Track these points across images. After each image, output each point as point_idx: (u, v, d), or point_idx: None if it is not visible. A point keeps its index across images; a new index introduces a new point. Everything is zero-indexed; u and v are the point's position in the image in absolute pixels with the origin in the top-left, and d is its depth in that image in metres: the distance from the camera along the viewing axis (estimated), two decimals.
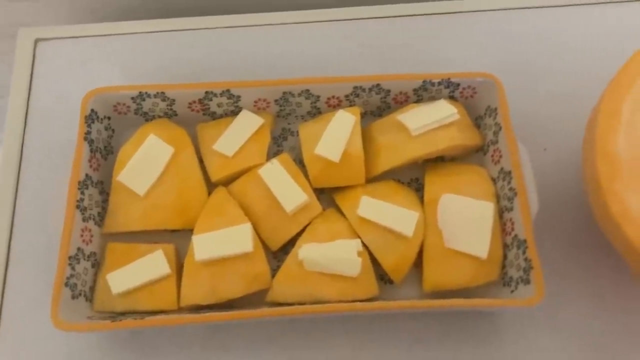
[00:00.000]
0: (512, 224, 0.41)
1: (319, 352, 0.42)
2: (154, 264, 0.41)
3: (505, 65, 0.51)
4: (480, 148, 0.47)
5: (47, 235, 0.44)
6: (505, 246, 0.42)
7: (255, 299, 0.41)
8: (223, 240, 0.40)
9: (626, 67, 0.39)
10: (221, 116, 0.47)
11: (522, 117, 0.47)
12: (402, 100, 0.47)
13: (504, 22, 0.54)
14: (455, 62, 0.51)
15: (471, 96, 0.47)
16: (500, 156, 0.44)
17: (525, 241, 0.40)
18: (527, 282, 0.39)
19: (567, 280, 0.43)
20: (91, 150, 0.44)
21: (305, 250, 0.40)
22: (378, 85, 0.46)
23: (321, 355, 0.42)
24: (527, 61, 0.52)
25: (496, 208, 0.43)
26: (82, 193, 0.42)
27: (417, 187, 0.46)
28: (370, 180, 0.45)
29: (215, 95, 0.45)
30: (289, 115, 0.48)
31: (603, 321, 0.42)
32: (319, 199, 0.45)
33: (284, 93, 0.46)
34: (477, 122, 0.48)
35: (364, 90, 0.46)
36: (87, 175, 0.43)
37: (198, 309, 0.41)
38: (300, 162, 0.46)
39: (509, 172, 0.42)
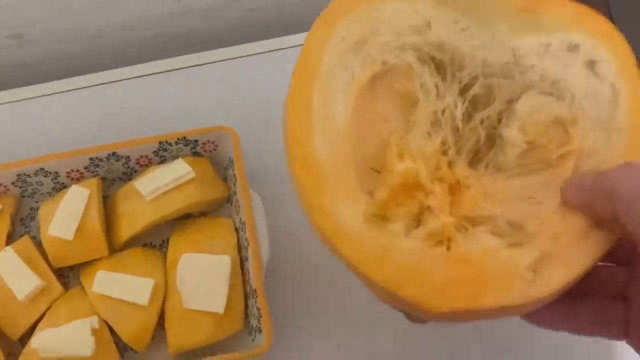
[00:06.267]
0: (249, 273, 0.43)
1: None
2: None
3: (253, 112, 0.53)
4: (228, 199, 0.48)
5: None
6: (247, 295, 0.43)
7: None
8: None
9: (307, 47, 0.33)
10: None
11: (268, 164, 0.49)
12: (146, 163, 0.47)
13: (243, 69, 0.55)
14: (211, 116, 0.52)
15: (214, 149, 0.48)
16: (239, 206, 0.45)
17: (255, 290, 0.41)
18: (260, 330, 0.41)
19: (310, 321, 0.45)
20: None
21: (38, 338, 0.40)
22: (114, 153, 0.46)
23: None
24: (274, 107, 0.53)
25: (237, 259, 0.44)
26: None
27: (167, 248, 0.47)
28: (119, 249, 0.45)
29: None
30: (35, 194, 0.48)
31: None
32: (68, 277, 0.44)
33: (19, 175, 0.45)
34: (225, 173, 0.49)
35: (101, 160, 0.46)
36: None
37: None
38: None
39: (244, 222, 0.44)
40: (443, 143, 0.33)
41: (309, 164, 0.31)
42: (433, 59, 0.34)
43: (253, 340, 0.42)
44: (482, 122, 0.34)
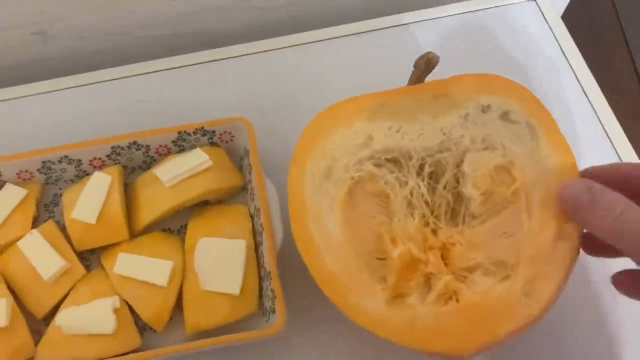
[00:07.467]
0: (263, 257, 0.45)
1: None
2: None
3: (266, 105, 0.55)
4: (243, 187, 0.50)
5: None
6: (261, 278, 0.45)
7: None
8: None
9: (290, 189, 0.41)
10: None
11: (282, 154, 0.51)
12: (165, 153, 0.49)
13: (256, 65, 0.58)
14: (228, 109, 0.54)
15: (231, 140, 0.50)
16: (254, 194, 0.47)
17: (270, 273, 0.43)
18: (274, 311, 0.42)
19: (322, 303, 0.46)
20: None
21: (62, 316, 0.42)
22: (135, 142, 0.48)
23: None
24: (286, 100, 0.56)
25: (252, 244, 0.46)
26: None
27: (185, 233, 0.48)
28: (139, 234, 0.47)
29: None
30: (58, 181, 0.50)
31: (349, 339, 0.46)
32: (89, 260, 0.46)
33: (44, 162, 0.47)
34: (241, 162, 0.51)
35: (123, 148, 0.48)
36: None
37: None
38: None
39: (259, 209, 0.46)
40: (423, 216, 0.41)
41: (328, 279, 0.38)
42: (387, 160, 0.42)
43: (267, 321, 0.43)
44: (445, 187, 0.41)
